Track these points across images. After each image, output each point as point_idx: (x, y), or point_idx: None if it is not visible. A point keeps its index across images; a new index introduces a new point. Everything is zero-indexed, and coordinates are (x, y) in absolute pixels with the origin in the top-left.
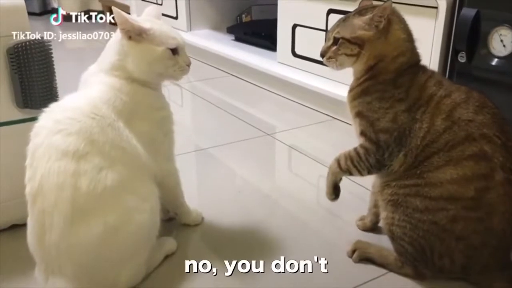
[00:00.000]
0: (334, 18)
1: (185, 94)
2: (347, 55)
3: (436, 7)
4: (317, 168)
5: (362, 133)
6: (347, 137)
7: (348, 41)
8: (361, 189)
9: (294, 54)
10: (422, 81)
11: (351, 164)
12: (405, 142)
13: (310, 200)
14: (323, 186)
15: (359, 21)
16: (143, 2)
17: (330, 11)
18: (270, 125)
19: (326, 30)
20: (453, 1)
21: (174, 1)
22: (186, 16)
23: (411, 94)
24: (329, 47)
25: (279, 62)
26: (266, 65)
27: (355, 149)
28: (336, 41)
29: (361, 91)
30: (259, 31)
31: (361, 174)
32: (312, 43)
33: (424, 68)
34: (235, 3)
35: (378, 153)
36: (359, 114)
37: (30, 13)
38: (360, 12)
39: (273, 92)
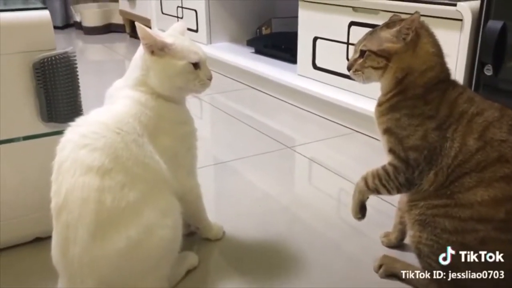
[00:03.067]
0: (356, 30)
1: (205, 107)
2: (373, 68)
3: (461, 20)
4: (338, 182)
5: (391, 151)
6: (369, 151)
7: (375, 53)
8: (385, 205)
9: (315, 66)
10: (453, 98)
11: (379, 183)
12: (436, 160)
13: (331, 214)
14: (344, 200)
15: (386, 33)
16: (164, 15)
17: (352, 24)
18: (290, 138)
19: (347, 43)
20: (478, 14)
21: (194, 14)
22: (206, 29)
23: (441, 111)
24: (355, 60)
25: (299, 75)
26: (286, 77)
27: (384, 167)
28: (362, 54)
29: (389, 107)
30: (279, 44)
31: (389, 193)
32: (333, 55)
33: (454, 84)
34: (255, 16)
35: (407, 171)
36: (387, 131)
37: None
38: (387, 25)
39: (293, 105)
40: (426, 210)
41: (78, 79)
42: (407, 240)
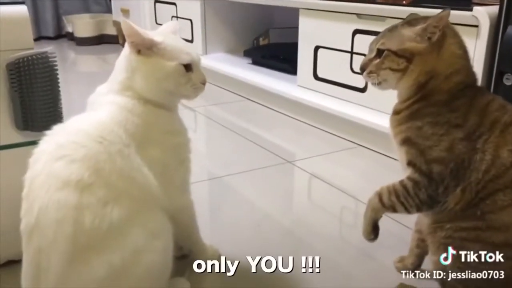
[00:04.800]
0: (360, 39)
1: (199, 119)
2: (392, 69)
3: (477, 26)
4: (343, 199)
5: (411, 163)
6: (375, 166)
7: (395, 53)
8: (397, 226)
9: (316, 77)
10: (483, 105)
11: (396, 200)
12: (463, 175)
13: (337, 237)
14: (350, 220)
15: (409, 31)
16: (158, 25)
17: (356, 32)
18: (290, 152)
19: (351, 52)
20: (497, 19)
21: (189, 24)
22: (201, 39)
23: (470, 120)
24: (371, 60)
25: (299, 86)
26: (285, 88)
27: (402, 182)
28: (380, 53)
29: (409, 115)
30: (277, 54)
31: (408, 211)
32: (336, 65)
33: (483, 90)
34: (252, 26)
35: (430, 187)
36: (406, 141)
37: (45, 37)
38: (410, 22)
39: (292, 117)
40: (453, 232)
41: (58, 83)
42: (424, 266)
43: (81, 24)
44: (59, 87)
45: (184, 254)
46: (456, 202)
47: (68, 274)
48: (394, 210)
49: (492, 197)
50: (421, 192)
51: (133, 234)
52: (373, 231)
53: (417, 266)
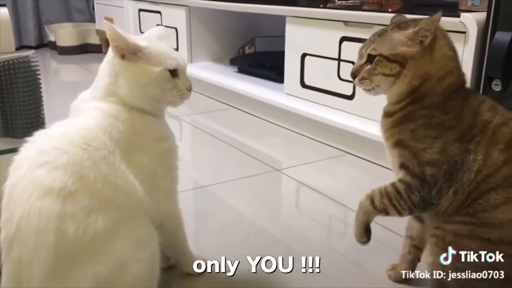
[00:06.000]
0: (348, 46)
1: (185, 127)
2: (385, 75)
3: (464, 32)
4: (331, 207)
5: (403, 166)
6: (362, 174)
7: (387, 58)
8: (386, 234)
9: (303, 85)
10: (475, 106)
11: (388, 203)
12: (456, 176)
13: (326, 244)
14: (339, 229)
15: (400, 35)
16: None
17: (344, 39)
18: (277, 160)
19: (339, 59)
20: (484, 25)
21: (175, 32)
22: (187, 47)
23: (463, 121)
24: (361, 66)
25: (286, 94)
26: (272, 96)
27: (393, 185)
28: (371, 58)
29: (402, 117)
30: (263, 63)
31: (400, 214)
32: (323, 73)
33: (474, 91)
34: (238, 34)
35: (423, 189)
36: (399, 144)
37: (27, 46)
38: (399, 26)
39: (279, 126)
40: (447, 231)
41: (41, 88)
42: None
43: (64, 33)
44: (41, 92)
45: (172, 265)
46: (449, 203)
47: (50, 286)
48: (386, 213)
49: (485, 196)
50: (413, 194)
51: (118, 243)
52: (365, 234)
53: (409, 273)
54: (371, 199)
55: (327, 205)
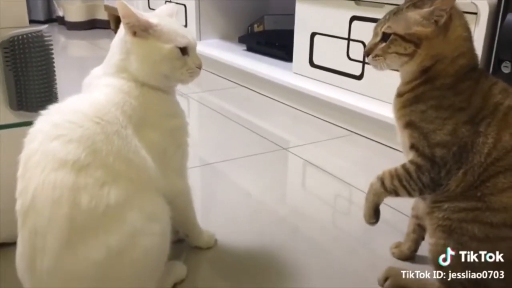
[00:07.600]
0: (358, 26)
1: (193, 105)
2: (398, 54)
3: (476, 13)
4: (337, 187)
5: (413, 147)
6: (369, 154)
7: (402, 38)
8: (391, 212)
9: (312, 64)
10: (486, 88)
11: (398, 184)
12: (466, 158)
13: (332, 223)
14: (345, 208)
15: (415, 14)
16: (151, 10)
17: (354, 18)
18: (284, 139)
19: (348, 39)
20: (496, 6)
21: (183, 9)
22: (195, 25)
23: (474, 103)
24: (376, 44)
25: (294, 73)
26: (280, 75)
27: (404, 166)
28: (386, 37)
29: (413, 98)
30: (272, 41)
31: (410, 195)
32: (333, 52)
33: (485, 73)
34: (247, 12)
35: (433, 170)
36: (410, 125)
37: (35, 21)
38: (415, 4)
39: (287, 105)
40: (451, 214)
41: (53, 62)
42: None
43: (72, 8)
44: (54, 67)
45: (180, 238)
46: (457, 184)
47: (64, 255)
48: (396, 194)
49: (493, 179)
50: (424, 175)
51: (130, 216)
52: (374, 215)
53: (413, 251)
54: (381, 180)
55: (333, 184)
